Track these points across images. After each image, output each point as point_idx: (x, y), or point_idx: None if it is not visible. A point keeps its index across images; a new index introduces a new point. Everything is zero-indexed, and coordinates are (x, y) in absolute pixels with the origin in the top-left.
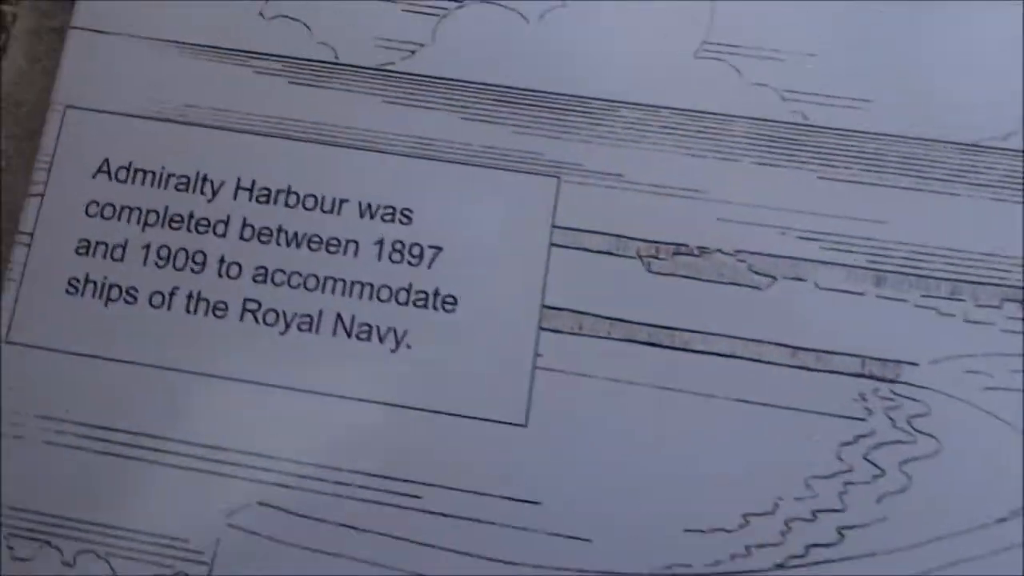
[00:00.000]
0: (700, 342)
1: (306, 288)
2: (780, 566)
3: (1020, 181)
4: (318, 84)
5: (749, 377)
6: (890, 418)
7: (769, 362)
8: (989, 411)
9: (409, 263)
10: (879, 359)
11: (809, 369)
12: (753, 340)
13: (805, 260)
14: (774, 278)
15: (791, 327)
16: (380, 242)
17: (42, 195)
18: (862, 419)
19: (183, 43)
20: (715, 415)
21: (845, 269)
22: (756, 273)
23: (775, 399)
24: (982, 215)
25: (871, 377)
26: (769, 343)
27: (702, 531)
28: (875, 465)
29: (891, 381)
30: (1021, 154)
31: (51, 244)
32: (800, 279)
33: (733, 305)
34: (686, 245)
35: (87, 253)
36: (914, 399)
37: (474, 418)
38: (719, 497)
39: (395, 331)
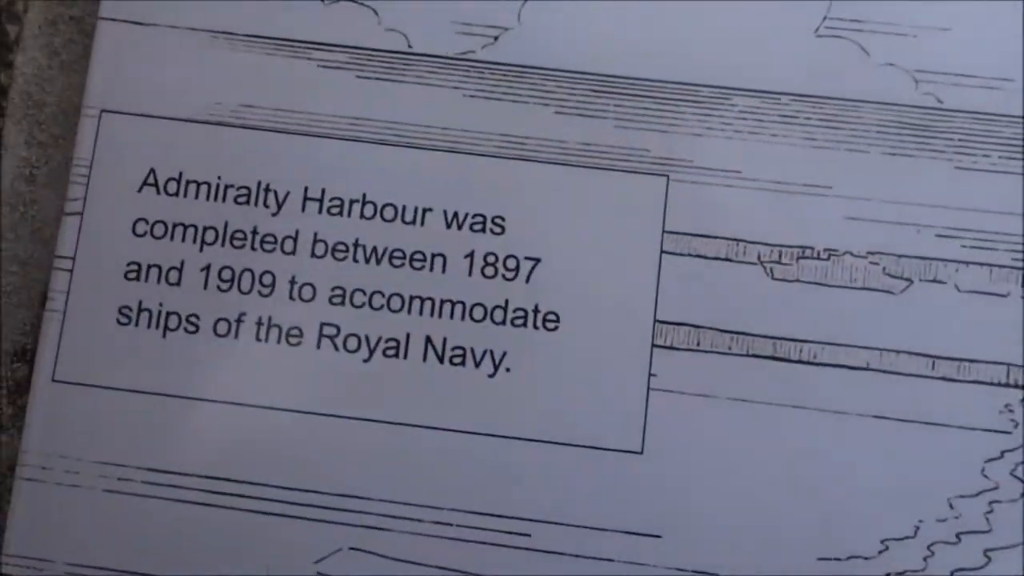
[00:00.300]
0: (830, 354)
1: (390, 309)
2: None
3: None
4: (390, 78)
5: (884, 391)
6: None
7: (906, 374)
8: None
9: (504, 277)
10: None
11: (949, 380)
12: (888, 350)
13: (944, 260)
14: (910, 281)
15: (929, 335)
16: (470, 255)
17: (81, 213)
18: (1008, 432)
19: (233, 34)
20: (848, 434)
21: (988, 269)
22: (890, 276)
23: (913, 414)
24: None
25: (1017, 386)
26: (905, 353)
27: (838, 559)
28: (1023, 481)
29: None
30: None
31: (96, 269)
32: (938, 281)
33: (865, 313)
34: (812, 248)
35: (138, 278)
36: None
37: (584, 447)
38: (855, 522)
39: (492, 354)
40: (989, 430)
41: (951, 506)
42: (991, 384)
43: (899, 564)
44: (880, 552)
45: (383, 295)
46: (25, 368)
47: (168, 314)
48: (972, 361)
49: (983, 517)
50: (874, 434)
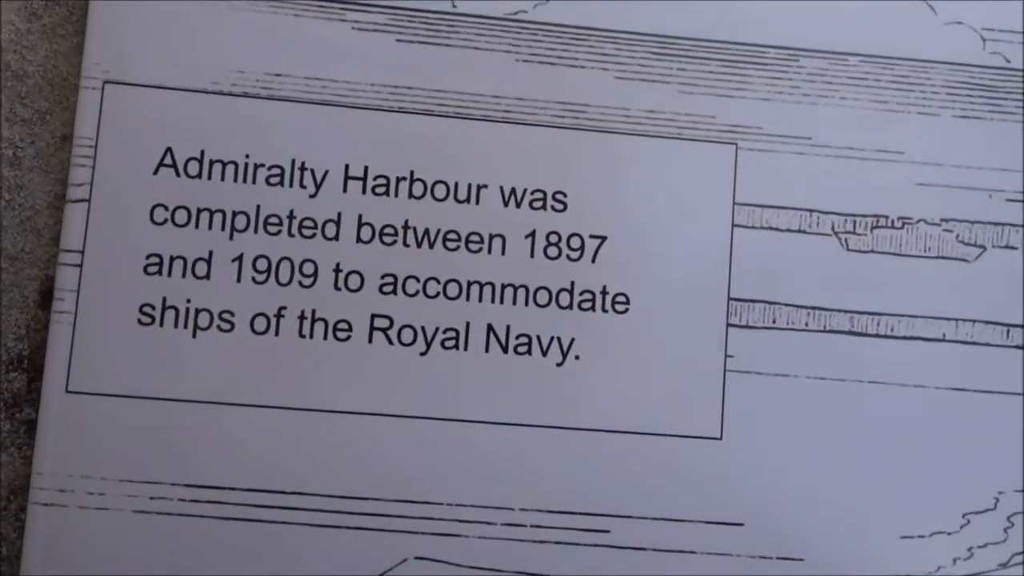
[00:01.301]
0: (906, 327)
1: (446, 296)
2: (1004, 565)
3: None
4: (434, 41)
5: (961, 362)
6: None
7: (981, 343)
8: None
9: (568, 258)
10: None
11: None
12: (964, 320)
13: (1015, 225)
14: (983, 248)
15: (1003, 302)
16: (531, 235)
17: (87, 200)
18: None
19: None
20: (928, 408)
21: None
22: (964, 244)
23: (989, 384)
24: None
25: None
26: (980, 322)
27: (921, 536)
28: None
29: None
30: None
31: (110, 263)
32: (1011, 247)
33: (940, 282)
34: (886, 216)
35: (160, 272)
36: None
37: (661, 435)
38: (937, 498)
39: (559, 340)
40: None
41: None
42: None
43: (981, 537)
44: (962, 527)
45: (438, 282)
46: (23, 378)
47: (198, 311)
48: None
49: None
50: (952, 407)
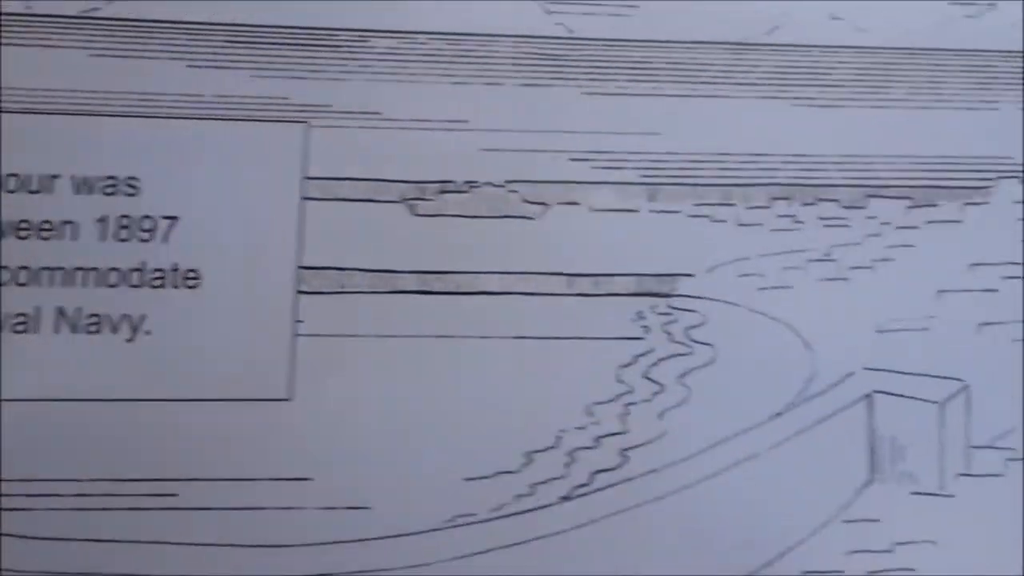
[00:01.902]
0: (472, 283)
1: (17, 284)
2: (565, 498)
3: (784, 77)
4: (9, 41)
5: (525, 312)
6: (667, 332)
7: (546, 293)
8: (763, 311)
9: (140, 239)
10: (655, 275)
11: (586, 295)
12: (529, 273)
13: (577, 183)
14: (546, 205)
15: (567, 255)
16: (103, 219)
17: None
18: (640, 338)
19: None
20: (492, 357)
21: (618, 187)
22: (528, 202)
23: (553, 331)
24: (750, 115)
25: (648, 294)
26: (545, 274)
27: (485, 477)
28: (655, 382)
29: (667, 295)
30: (786, 48)
31: None
32: (573, 203)
33: (506, 239)
34: (453, 181)
35: None
36: (691, 310)
37: (231, 400)
38: (500, 440)
39: (130, 318)
40: (623, 338)
41: (590, 413)
42: (624, 295)
43: (543, 474)
44: (524, 465)
45: (9, 270)
46: None
47: None
48: (607, 275)
49: (619, 420)
50: (516, 355)
